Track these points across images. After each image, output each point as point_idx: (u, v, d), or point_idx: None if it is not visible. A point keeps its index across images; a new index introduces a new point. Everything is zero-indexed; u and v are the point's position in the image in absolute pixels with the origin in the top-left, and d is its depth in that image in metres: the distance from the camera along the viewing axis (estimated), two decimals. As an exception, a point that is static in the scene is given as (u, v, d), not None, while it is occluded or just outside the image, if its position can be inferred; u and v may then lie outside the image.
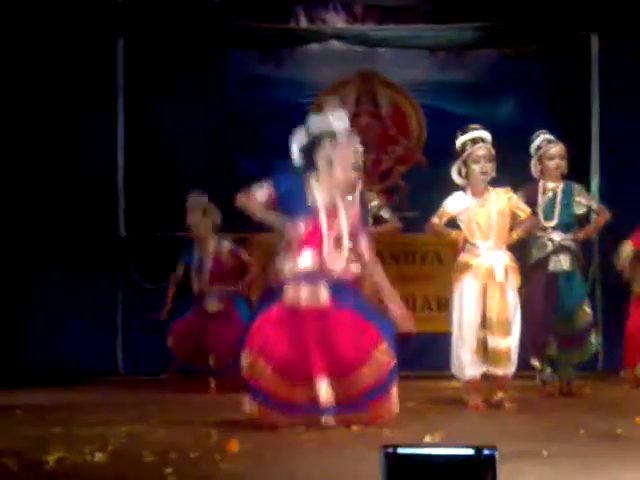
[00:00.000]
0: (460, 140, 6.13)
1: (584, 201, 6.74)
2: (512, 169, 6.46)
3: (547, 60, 8.73)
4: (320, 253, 4.87)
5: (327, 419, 4.77)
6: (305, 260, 4.88)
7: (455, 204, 6.16)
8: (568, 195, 6.67)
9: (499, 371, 5.94)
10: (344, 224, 4.93)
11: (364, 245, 5.05)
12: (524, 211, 6.19)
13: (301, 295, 4.85)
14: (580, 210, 6.73)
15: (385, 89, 8.93)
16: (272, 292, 4.98)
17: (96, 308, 8.60)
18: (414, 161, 8.94)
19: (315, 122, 4.96)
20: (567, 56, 8.74)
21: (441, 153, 7.00)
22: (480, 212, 6.06)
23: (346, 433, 4.65)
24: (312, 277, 4.85)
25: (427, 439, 4.25)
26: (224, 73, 8.89)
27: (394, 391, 4.86)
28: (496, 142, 6.12)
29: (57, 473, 3.64)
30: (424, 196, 7.59)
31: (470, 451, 2.41)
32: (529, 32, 8.67)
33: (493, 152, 6.08)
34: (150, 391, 7.45)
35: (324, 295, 4.86)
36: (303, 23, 8.86)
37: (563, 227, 6.62)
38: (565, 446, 4.18)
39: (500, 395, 5.96)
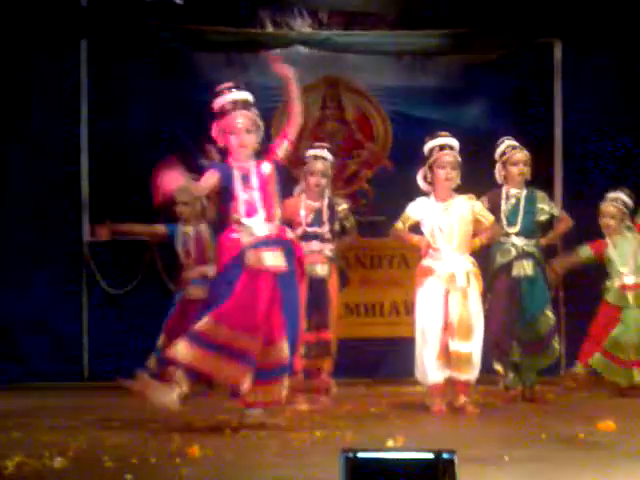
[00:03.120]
0: (428, 145, 6.16)
1: (547, 208, 6.78)
2: (477, 174, 6.48)
3: (511, 67, 8.77)
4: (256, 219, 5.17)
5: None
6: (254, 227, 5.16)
7: (418, 209, 6.19)
8: (531, 202, 6.71)
9: (461, 376, 5.96)
10: (258, 189, 5.25)
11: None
12: (487, 218, 6.25)
13: (263, 258, 5.08)
14: (543, 217, 6.77)
15: (350, 94, 8.93)
16: (231, 262, 5.13)
17: (61, 312, 8.53)
18: (380, 165, 8.94)
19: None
20: (531, 63, 8.79)
21: (407, 158, 6.99)
22: (443, 218, 6.09)
23: (307, 437, 4.65)
24: (269, 243, 5.13)
25: (389, 443, 4.25)
26: (189, 77, 8.83)
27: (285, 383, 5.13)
28: (461, 147, 6.16)
29: (16, 478, 3.61)
30: (390, 200, 7.58)
31: (429, 455, 2.43)
32: (493, 39, 8.70)
33: (459, 160, 6.12)
34: (113, 396, 7.38)
35: (282, 260, 5.13)
36: (268, 28, 8.84)
37: (526, 233, 6.66)
38: (527, 451, 4.20)
39: (463, 400, 5.98)
